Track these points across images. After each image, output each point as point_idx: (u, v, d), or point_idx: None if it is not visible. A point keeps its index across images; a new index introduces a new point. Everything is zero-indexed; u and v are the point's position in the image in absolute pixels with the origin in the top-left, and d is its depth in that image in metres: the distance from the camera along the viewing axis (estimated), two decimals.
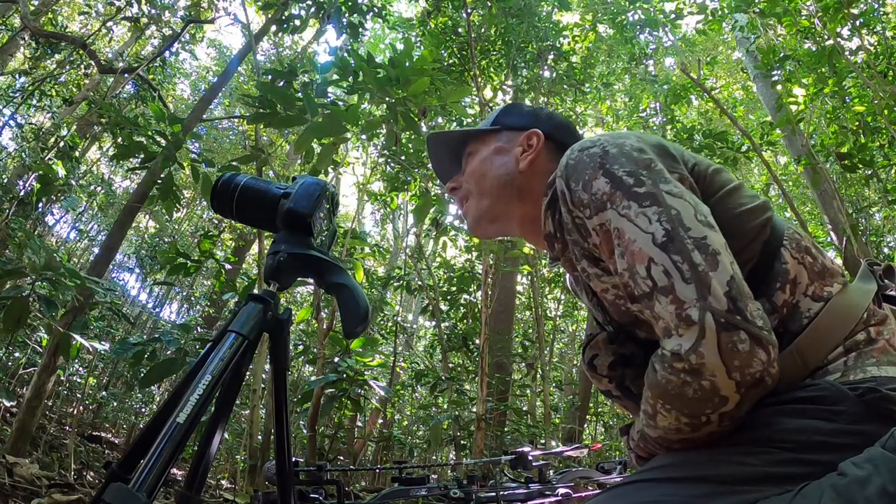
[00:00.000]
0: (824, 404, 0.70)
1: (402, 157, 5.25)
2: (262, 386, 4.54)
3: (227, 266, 4.93)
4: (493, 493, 1.88)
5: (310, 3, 5.17)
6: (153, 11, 7.30)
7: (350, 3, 5.15)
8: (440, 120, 6.74)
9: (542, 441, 6.31)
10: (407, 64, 3.56)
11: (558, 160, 0.91)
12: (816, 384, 0.74)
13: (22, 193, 6.43)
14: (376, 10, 5.49)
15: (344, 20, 5.19)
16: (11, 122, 7.84)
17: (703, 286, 0.70)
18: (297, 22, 5.31)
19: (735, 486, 0.67)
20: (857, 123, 5.58)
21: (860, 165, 5.21)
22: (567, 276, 1.11)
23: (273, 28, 5.87)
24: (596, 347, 0.95)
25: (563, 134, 1.08)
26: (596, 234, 0.83)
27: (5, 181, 7.35)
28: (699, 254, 0.72)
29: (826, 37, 5.41)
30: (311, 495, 1.71)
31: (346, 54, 3.86)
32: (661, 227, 0.75)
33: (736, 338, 0.68)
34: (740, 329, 0.69)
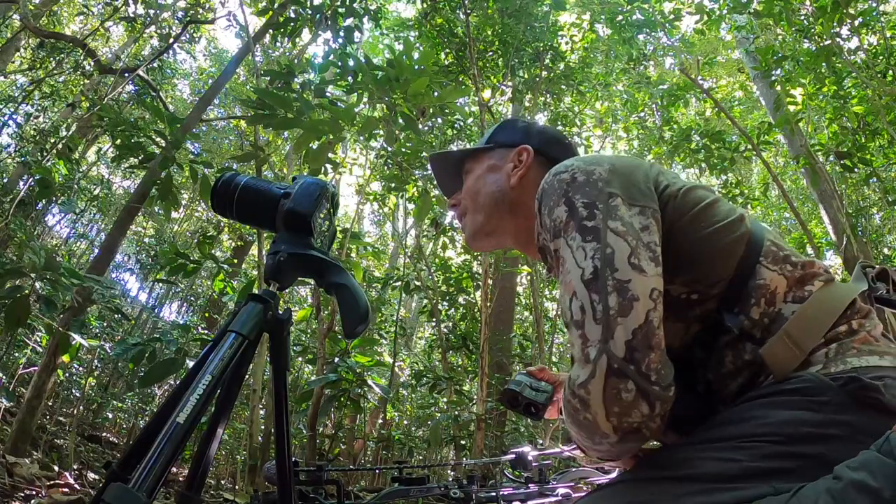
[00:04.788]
0: (808, 395, 0.72)
1: (400, 158, 5.25)
2: (263, 386, 4.54)
3: (227, 267, 4.92)
4: (493, 493, 1.87)
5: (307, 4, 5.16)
6: (151, 11, 7.30)
7: (346, 7, 5.14)
8: (439, 120, 6.75)
9: (542, 441, 6.31)
10: (404, 59, 3.56)
11: None
12: (799, 376, 0.75)
13: (22, 193, 6.43)
14: (372, 12, 5.47)
15: (342, 22, 5.18)
16: (11, 122, 7.83)
17: (609, 330, 0.74)
18: (294, 24, 5.30)
19: (722, 483, 0.68)
20: (857, 123, 5.57)
21: (860, 165, 5.21)
22: None
23: (270, 31, 5.85)
24: None
25: (554, 148, 1.12)
26: (552, 258, 0.87)
27: (6, 181, 7.34)
28: (616, 297, 0.75)
29: (824, 36, 5.40)
30: (311, 495, 1.71)
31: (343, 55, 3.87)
32: (592, 264, 0.78)
33: (622, 386, 0.72)
34: (629, 379, 0.72)
